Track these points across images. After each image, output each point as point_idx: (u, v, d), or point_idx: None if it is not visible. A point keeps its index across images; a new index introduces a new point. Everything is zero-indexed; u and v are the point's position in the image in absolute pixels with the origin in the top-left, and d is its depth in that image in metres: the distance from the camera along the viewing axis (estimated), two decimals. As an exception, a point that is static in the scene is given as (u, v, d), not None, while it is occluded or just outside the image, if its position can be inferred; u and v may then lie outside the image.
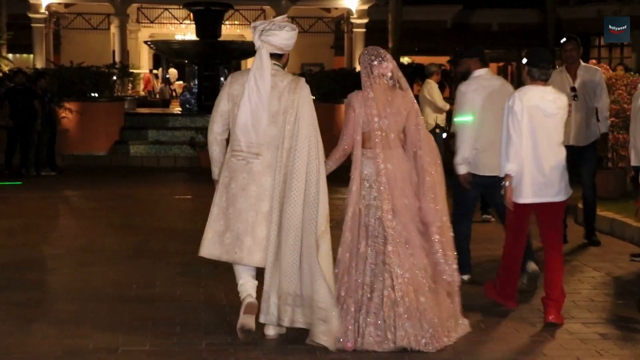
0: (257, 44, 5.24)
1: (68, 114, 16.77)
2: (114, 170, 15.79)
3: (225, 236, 5.29)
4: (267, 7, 34.61)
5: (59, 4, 31.18)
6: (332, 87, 17.97)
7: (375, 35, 30.85)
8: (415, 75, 20.06)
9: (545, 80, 5.81)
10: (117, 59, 28.83)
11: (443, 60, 24.86)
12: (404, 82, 5.36)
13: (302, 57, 33.77)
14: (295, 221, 5.04)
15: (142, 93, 31.79)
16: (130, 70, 24.81)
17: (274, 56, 5.28)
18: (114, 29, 32.40)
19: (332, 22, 36.09)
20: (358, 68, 5.58)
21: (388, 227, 5.15)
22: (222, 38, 20.10)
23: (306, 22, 34.68)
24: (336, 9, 34.34)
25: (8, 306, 6.05)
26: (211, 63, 19.37)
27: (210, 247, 5.34)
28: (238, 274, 5.34)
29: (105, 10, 32.36)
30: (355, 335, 5.05)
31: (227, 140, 5.37)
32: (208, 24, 19.57)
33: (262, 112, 5.20)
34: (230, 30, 35.28)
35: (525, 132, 5.69)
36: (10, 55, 24.64)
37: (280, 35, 5.25)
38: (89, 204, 11.53)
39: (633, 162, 7.39)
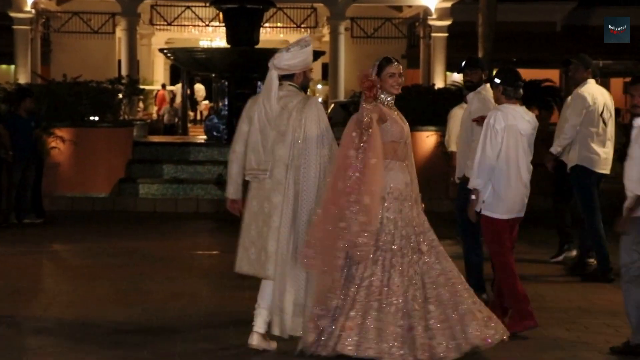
0: (270, 67, 7.16)
1: (59, 144, 16.97)
2: (118, 216, 15.90)
3: (250, 252, 7.28)
4: (319, 5, 34.88)
5: (50, 0, 31.73)
6: (404, 109, 17.90)
7: (460, 41, 30.87)
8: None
9: (519, 99, 7.81)
10: (124, 71, 29.25)
11: (550, 74, 24.71)
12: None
13: (363, 69, 33.80)
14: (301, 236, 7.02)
15: (154, 116, 32.10)
16: (141, 87, 25.12)
17: (286, 77, 7.23)
18: (120, 33, 32.91)
19: (403, 25, 36.18)
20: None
21: (423, 239, 7.03)
22: (260, 45, 20.23)
23: (370, 25, 34.86)
24: (409, 7, 34.46)
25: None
26: (246, 77, 19.48)
27: (240, 263, 7.36)
28: (260, 294, 7.39)
29: (109, 9, 32.90)
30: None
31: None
32: (242, 27, 19.72)
33: (269, 131, 7.12)
34: (271, 35, 35.61)
35: (505, 150, 7.63)
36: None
37: (283, 56, 7.16)
38: (85, 262, 11.59)
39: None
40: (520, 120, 7.75)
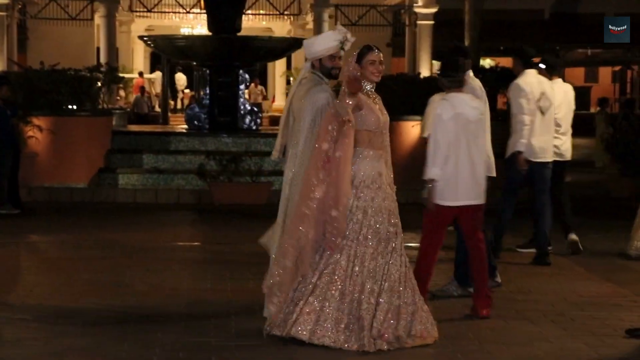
0: None
1: (37, 133, 16.96)
2: (97, 207, 15.89)
3: None
4: (302, -8, 34.83)
5: (27, -14, 31.60)
6: (389, 98, 17.95)
7: (446, 29, 30.94)
8: (500, 83, 20.00)
9: (458, 87, 8.12)
10: (103, 59, 29.17)
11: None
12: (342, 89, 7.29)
13: (348, 57, 33.82)
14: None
15: (121, 105, 31.80)
16: (121, 75, 25.07)
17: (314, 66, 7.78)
18: (99, 20, 32.81)
19: (389, 12, 36.23)
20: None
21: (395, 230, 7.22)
22: (242, 32, 20.23)
23: (355, 12, 34.86)
24: (395, -6, 34.46)
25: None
26: (228, 66, 19.49)
27: None
28: None
29: (87, -5, 32.77)
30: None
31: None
32: (224, 14, 19.71)
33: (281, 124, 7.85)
34: (253, 22, 35.59)
35: (454, 138, 7.95)
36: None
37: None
38: (64, 254, 11.59)
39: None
40: (465, 107, 8.09)
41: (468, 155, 8.06)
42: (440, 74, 8.38)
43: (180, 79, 38.31)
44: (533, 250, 11.24)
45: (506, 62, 26.35)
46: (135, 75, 37.42)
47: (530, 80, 10.87)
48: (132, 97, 34.48)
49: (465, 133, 8.02)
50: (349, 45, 7.77)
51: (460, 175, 8.03)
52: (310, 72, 7.75)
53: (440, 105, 8.10)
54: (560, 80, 11.56)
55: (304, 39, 19.07)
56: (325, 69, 7.71)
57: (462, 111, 8.05)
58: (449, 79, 8.18)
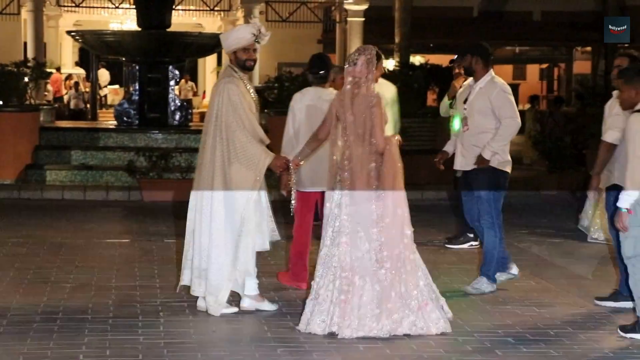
0: None
1: (-38, 128, 16.73)
2: (23, 204, 15.71)
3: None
4: (232, -12, 34.74)
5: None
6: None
7: (376, 26, 31.08)
8: (430, 79, 20.14)
9: (321, 84, 9.09)
10: (30, 54, 28.85)
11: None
12: (367, 86, 7.66)
13: (279, 55, 33.90)
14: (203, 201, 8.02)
15: (48, 100, 31.36)
16: (48, 70, 24.83)
17: None
18: (25, 14, 32.46)
19: (319, 9, 36.27)
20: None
21: (344, 214, 7.54)
22: (172, 28, 20.13)
23: (285, 9, 34.85)
24: (325, -10, 34.51)
25: None
26: (157, 62, 19.37)
27: None
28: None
29: (14, -11, 32.36)
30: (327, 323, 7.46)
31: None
32: (153, 10, 19.59)
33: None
34: (183, 18, 35.42)
35: (305, 128, 8.72)
36: None
37: None
38: (-10, 251, 11.45)
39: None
40: (318, 100, 8.93)
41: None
42: (307, 71, 9.34)
43: (103, 74, 37.91)
44: (463, 246, 11.48)
45: (436, 59, 26.48)
46: (68, 70, 36.99)
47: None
48: (50, 94, 33.95)
49: (315, 123, 8.43)
50: (266, 40, 8.27)
51: (313, 164, 8.67)
52: (227, 66, 8.25)
53: (294, 98, 9.18)
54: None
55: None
56: (240, 60, 8.19)
57: (313, 103, 8.95)
58: (313, 76, 9.18)
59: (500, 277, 9.34)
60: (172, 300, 8.68)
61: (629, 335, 7.62)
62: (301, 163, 8.20)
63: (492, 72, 9.30)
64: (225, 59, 9.27)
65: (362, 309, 7.43)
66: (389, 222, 7.54)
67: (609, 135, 8.82)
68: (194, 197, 8.19)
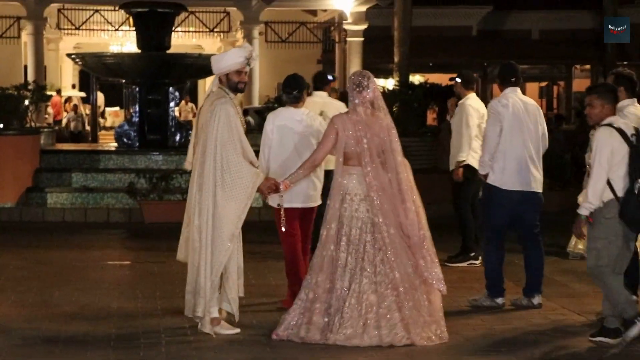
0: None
1: (-37, 152, 16.73)
2: (25, 227, 15.70)
3: None
4: (232, 9, 34.85)
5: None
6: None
7: (376, 45, 31.11)
8: (429, 98, 20.16)
9: (294, 103, 9.18)
10: (31, 77, 28.89)
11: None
12: (383, 106, 8.22)
13: (279, 75, 33.83)
14: (204, 222, 8.05)
15: (49, 123, 31.34)
16: (48, 93, 24.86)
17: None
18: (26, 37, 32.54)
19: (318, 29, 36.35)
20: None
21: (381, 238, 7.94)
22: (172, 50, 20.16)
23: (284, 29, 34.96)
24: (324, 11, 34.60)
25: None
26: (158, 83, 19.40)
27: None
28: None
29: (14, 12, 32.50)
30: (325, 330, 7.83)
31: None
32: (153, 31, 19.64)
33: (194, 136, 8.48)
34: (183, 39, 35.49)
35: (277, 149, 9.02)
36: None
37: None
38: (-9, 274, 11.43)
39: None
40: (289, 120, 9.13)
41: (295, 161, 8.84)
42: (283, 91, 9.53)
43: (99, 98, 37.93)
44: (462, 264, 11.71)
45: (435, 77, 26.56)
46: (69, 92, 36.99)
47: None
48: (56, 116, 34.00)
49: (286, 142, 9.04)
50: (255, 63, 8.45)
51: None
52: (218, 87, 8.33)
53: (268, 118, 9.34)
54: (473, 95, 11.78)
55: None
56: (232, 83, 8.32)
57: (284, 123, 9.11)
58: (287, 96, 9.28)
59: (484, 302, 9.41)
60: (175, 322, 8.66)
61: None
62: (291, 186, 8.40)
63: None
64: None
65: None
66: (416, 240, 8.04)
67: None
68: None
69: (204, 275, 7.99)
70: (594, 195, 7.78)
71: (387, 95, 19.50)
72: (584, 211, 7.85)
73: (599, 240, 7.82)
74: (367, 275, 7.88)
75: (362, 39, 31.86)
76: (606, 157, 7.76)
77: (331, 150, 8.17)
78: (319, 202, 9.18)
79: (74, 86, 39.03)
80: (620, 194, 7.75)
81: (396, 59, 25.93)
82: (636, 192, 7.69)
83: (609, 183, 7.78)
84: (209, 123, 8.13)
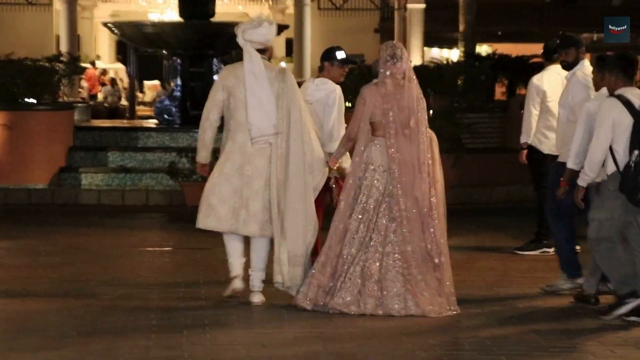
0: (242, 42, 8.96)
1: (-8, 129, 16.91)
2: (58, 210, 15.84)
3: (218, 209, 8.96)
4: (281, -27, 34.74)
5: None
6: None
7: (439, 13, 30.99)
8: (498, 71, 20.02)
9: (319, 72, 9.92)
10: (64, 48, 29.07)
11: (538, 49, 24.79)
12: (414, 77, 8.84)
13: (332, 44, 33.71)
14: (298, 192, 8.86)
15: (83, 97, 31.59)
16: (83, 65, 25.01)
17: (259, 52, 8.97)
18: (58, 5, 32.72)
19: (376, -5, 36.17)
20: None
21: (397, 209, 8.62)
22: (216, 18, 20.19)
23: (338, -4, 34.77)
24: (382, -25, 34.44)
25: None
26: (201, 55, 19.44)
27: (205, 219, 9.01)
28: (229, 251, 9.11)
29: (45, -22, 32.63)
30: (325, 295, 8.61)
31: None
32: (196, -2, 19.70)
33: (268, 102, 8.87)
34: (228, 7, 35.53)
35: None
36: None
37: (259, 31, 8.97)
38: (22, 260, 11.56)
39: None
40: (303, 90, 9.65)
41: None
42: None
43: (119, 69, 38.11)
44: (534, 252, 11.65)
45: (504, 48, 26.38)
46: (105, 65, 37.21)
47: None
48: (91, 90, 34.24)
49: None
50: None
51: None
52: (263, 58, 9.13)
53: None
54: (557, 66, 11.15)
55: (283, 25, 19.08)
56: (272, 56, 9.38)
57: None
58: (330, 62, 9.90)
59: (565, 284, 9.51)
60: (220, 312, 8.72)
61: (631, 318, 8.36)
62: (339, 162, 9.23)
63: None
64: (275, 50, 9.70)
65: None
66: (425, 212, 8.71)
67: None
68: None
69: (302, 243, 8.90)
70: (590, 167, 8.43)
71: (451, 67, 19.41)
72: (581, 182, 8.51)
73: (601, 212, 8.44)
74: (374, 245, 8.59)
75: (424, 5, 31.68)
76: (604, 131, 8.34)
77: (366, 121, 8.81)
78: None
79: (119, 59, 39.16)
80: (622, 165, 8.31)
81: (461, 28, 25.86)
82: (631, 164, 8.25)
83: (612, 155, 8.34)
84: (293, 92, 9.01)
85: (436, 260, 8.67)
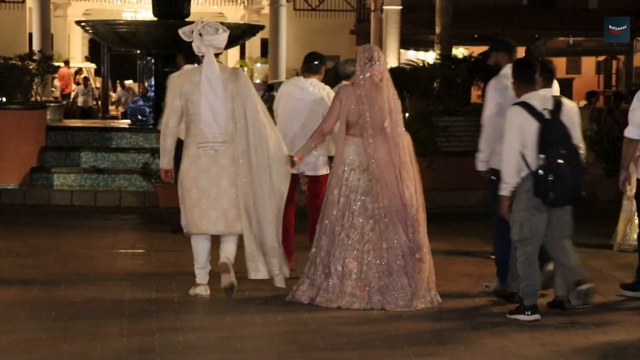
0: (203, 48, 9.37)
1: (-38, 128, 16.85)
2: (29, 210, 15.82)
3: (193, 213, 9.31)
4: (257, -27, 34.75)
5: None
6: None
7: (415, 15, 31.08)
8: (474, 74, 20.07)
9: (306, 72, 10.45)
10: (36, 46, 29.01)
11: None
12: (389, 78, 9.22)
13: (307, 47, 33.71)
14: (265, 186, 9.29)
15: (55, 97, 31.46)
16: (56, 64, 24.97)
17: (215, 55, 9.43)
18: (31, 3, 32.63)
19: (352, -4, 36.21)
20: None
21: (376, 207, 8.97)
22: (191, 18, 20.17)
23: (315, -3, 34.79)
24: (359, -24, 34.48)
25: None
26: (175, 55, 19.42)
27: (198, 224, 9.35)
28: (197, 255, 9.54)
29: (18, -25, 32.54)
30: (310, 293, 9.07)
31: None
32: (171, -3, 19.68)
33: (220, 106, 9.23)
34: (203, 7, 35.52)
35: (280, 115, 10.41)
36: None
37: (220, 38, 9.44)
38: (-8, 262, 11.53)
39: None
40: (293, 88, 10.48)
41: (295, 128, 10.28)
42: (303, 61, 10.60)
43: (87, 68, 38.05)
44: None
45: (480, 51, 26.44)
46: (77, 64, 37.09)
47: None
48: (57, 90, 34.12)
49: (287, 109, 10.46)
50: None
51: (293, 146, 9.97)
52: (218, 62, 9.66)
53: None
54: None
55: (258, 25, 19.08)
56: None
57: (290, 91, 10.51)
58: (304, 65, 10.51)
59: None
60: (193, 315, 8.71)
61: (513, 317, 8.67)
62: (304, 157, 9.61)
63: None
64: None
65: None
66: (408, 209, 9.06)
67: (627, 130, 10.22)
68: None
69: (270, 235, 9.31)
70: (507, 175, 8.69)
71: (427, 69, 19.45)
72: (503, 192, 8.75)
73: (519, 213, 8.69)
74: (352, 243, 8.97)
75: (400, 7, 31.75)
76: (513, 137, 8.63)
77: (337, 119, 9.22)
78: (323, 171, 10.36)
79: (87, 58, 39.10)
80: (533, 168, 8.57)
81: (437, 30, 25.90)
82: (540, 166, 8.51)
83: (523, 158, 8.59)
84: (245, 92, 9.37)
85: (417, 255, 9.01)
